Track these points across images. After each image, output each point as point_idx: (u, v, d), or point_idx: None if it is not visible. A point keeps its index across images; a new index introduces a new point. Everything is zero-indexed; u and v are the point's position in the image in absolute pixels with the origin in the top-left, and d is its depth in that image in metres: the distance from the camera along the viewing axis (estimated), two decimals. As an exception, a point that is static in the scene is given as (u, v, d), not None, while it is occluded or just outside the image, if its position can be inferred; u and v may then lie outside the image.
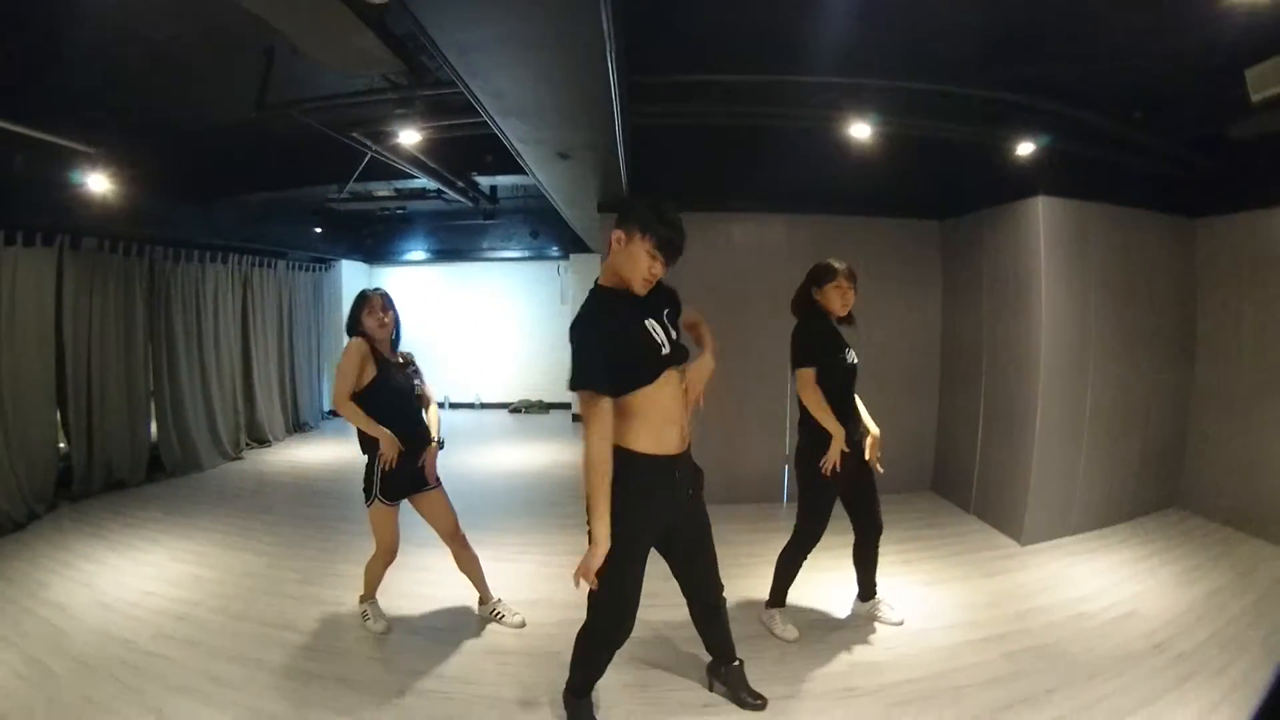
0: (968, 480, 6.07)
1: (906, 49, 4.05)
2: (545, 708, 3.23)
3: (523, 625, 4.01)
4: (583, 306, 2.66)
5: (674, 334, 2.73)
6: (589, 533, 2.51)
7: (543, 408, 12.12)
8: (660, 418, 2.67)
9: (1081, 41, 3.96)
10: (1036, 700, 3.30)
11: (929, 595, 4.44)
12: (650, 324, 2.65)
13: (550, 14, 2.43)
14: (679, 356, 2.73)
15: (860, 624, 4.07)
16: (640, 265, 2.58)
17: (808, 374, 3.60)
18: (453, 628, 4.07)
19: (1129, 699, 3.29)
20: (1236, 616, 4.13)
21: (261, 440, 9.12)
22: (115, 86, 4.70)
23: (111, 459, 6.90)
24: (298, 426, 10.08)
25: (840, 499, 3.80)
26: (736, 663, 3.26)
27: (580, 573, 2.51)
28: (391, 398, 3.69)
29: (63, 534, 5.55)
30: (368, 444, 3.68)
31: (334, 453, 8.89)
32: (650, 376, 2.62)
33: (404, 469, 3.69)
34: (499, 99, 3.37)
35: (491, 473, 7.92)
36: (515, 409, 12.08)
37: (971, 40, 3.98)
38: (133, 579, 4.72)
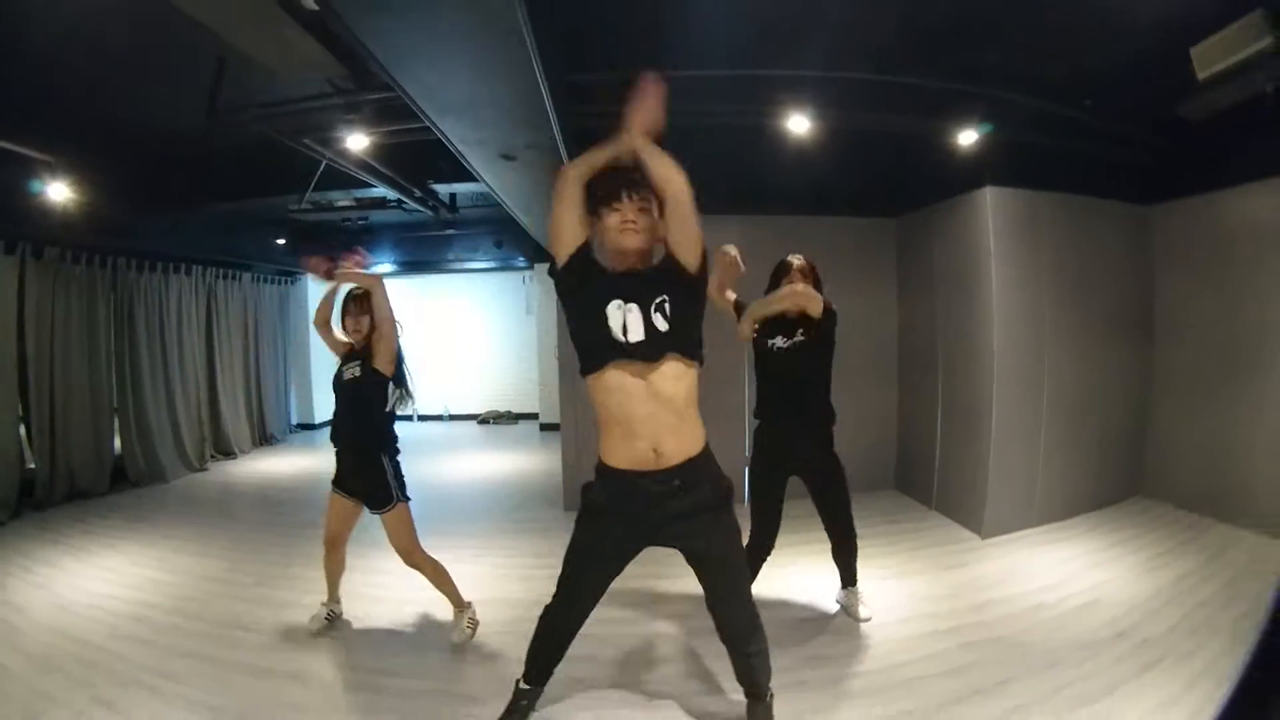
0: (928, 476, 6.10)
1: (844, 40, 4.08)
2: (489, 701, 3.17)
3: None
4: None
5: (661, 325, 2.34)
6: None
7: (511, 418, 12.15)
8: (618, 422, 2.40)
9: (1018, 27, 3.99)
10: (992, 691, 3.27)
11: (886, 589, 4.42)
12: (616, 306, 2.35)
13: (461, 4, 2.42)
14: (650, 351, 2.35)
15: (816, 619, 4.06)
16: (607, 228, 2.40)
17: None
18: (406, 627, 4.10)
19: (1090, 687, 3.26)
20: (1206, 600, 4.11)
21: (227, 452, 9.08)
22: (68, 93, 4.74)
23: (75, 469, 6.90)
24: (264, 439, 10.04)
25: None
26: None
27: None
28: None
29: (24, 540, 5.61)
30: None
31: (300, 464, 8.90)
32: (597, 363, 2.37)
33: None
34: (430, 97, 3.37)
35: (456, 481, 7.91)
36: (484, 420, 12.09)
37: (907, 30, 4.04)
38: (91, 583, 4.77)
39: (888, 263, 6.65)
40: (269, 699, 3.32)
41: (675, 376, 2.37)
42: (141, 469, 7.61)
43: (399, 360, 3.82)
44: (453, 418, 12.10)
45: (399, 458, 3.84)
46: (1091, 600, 4.20)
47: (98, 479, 7.13)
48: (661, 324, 2.33)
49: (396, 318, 3.75)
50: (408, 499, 3.82)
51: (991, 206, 5.18)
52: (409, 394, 3.94)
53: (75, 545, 5.54)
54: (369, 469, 3.76)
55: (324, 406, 11.59)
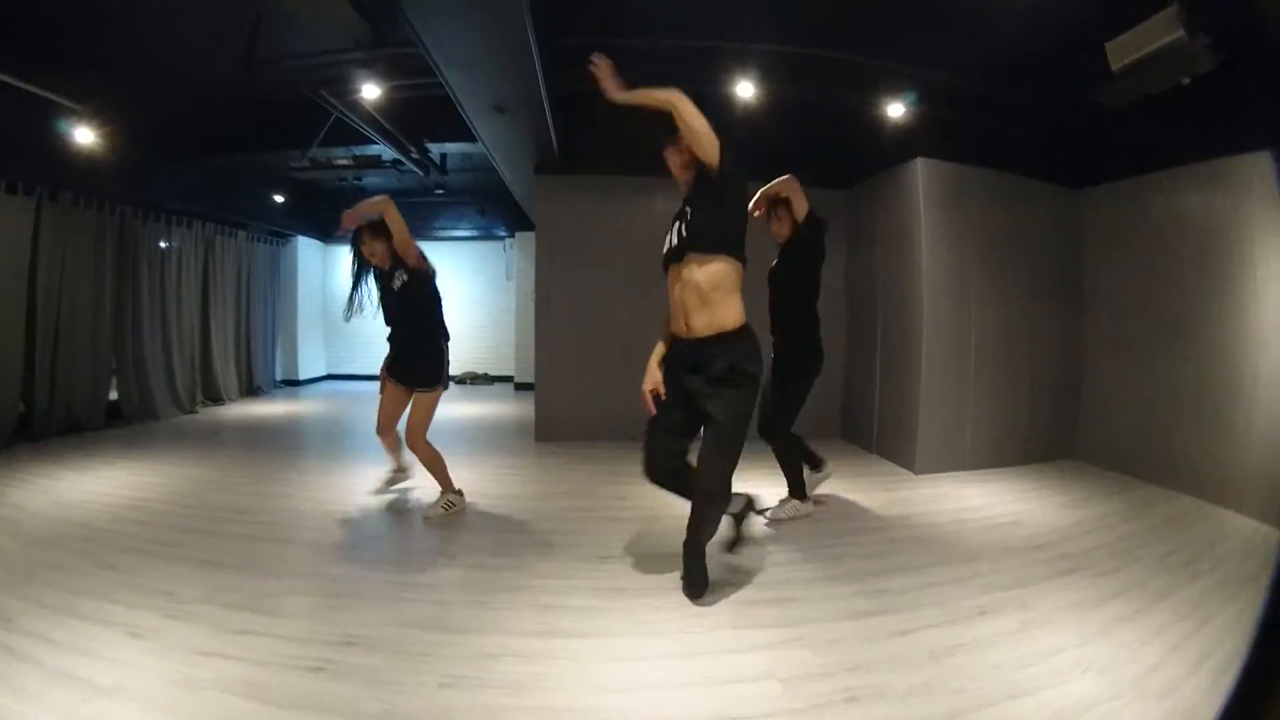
0: (869, 423, 6.68)
1: (790, 17, 4.62)
2: (460, 558, 3.85)
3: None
4: None
5: (683, 235, 3.15)
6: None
7: (488, 379, 12.67)
8: (671, 305, 3.29)
9: (945, 12, 4.42)
10: (912, 569, 3.69)
11: (824, 506, 4.87)
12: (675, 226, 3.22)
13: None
14: (678, 254, 3.17)
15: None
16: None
17: None
18: (398, 515, 4.70)
19: (1003, 579, 3.58)
20: (1127, 536, 4.29)
21: (216, 399, 9.51)
22: (105, 41, 5.03)
23: (72, 402, 7.17)
24: (251, 390, 10.47)
25: None
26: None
27: None
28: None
29: (21, 463, 5.80)
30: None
31: (285, 409, 9.49)
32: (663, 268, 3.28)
33: None
34: (441, 47, 3.98)
35: (441, 419, 8.40)
36: (461, 380, 12.54)
37: (845, 11, 4.55)
38: (90, 486, 5.13)
39: (838, 228, 7.12)
40: (260, 555, 3.82)
41: (697, 266, 3.11)
42: (135, 406, 7.98)
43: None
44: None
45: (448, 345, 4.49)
46: (1013, 521, 4.58)
47: (93, 413, 7.43)
48: (683, 232, 3.15)
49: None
50: (445, 387, 4.49)
51: (922, 175, 5.76)
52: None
53: (74, 464, 5.80)
54: (429, 353, 4.41)
55: (308, 365, 12.14)
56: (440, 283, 4.50)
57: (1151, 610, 3.21)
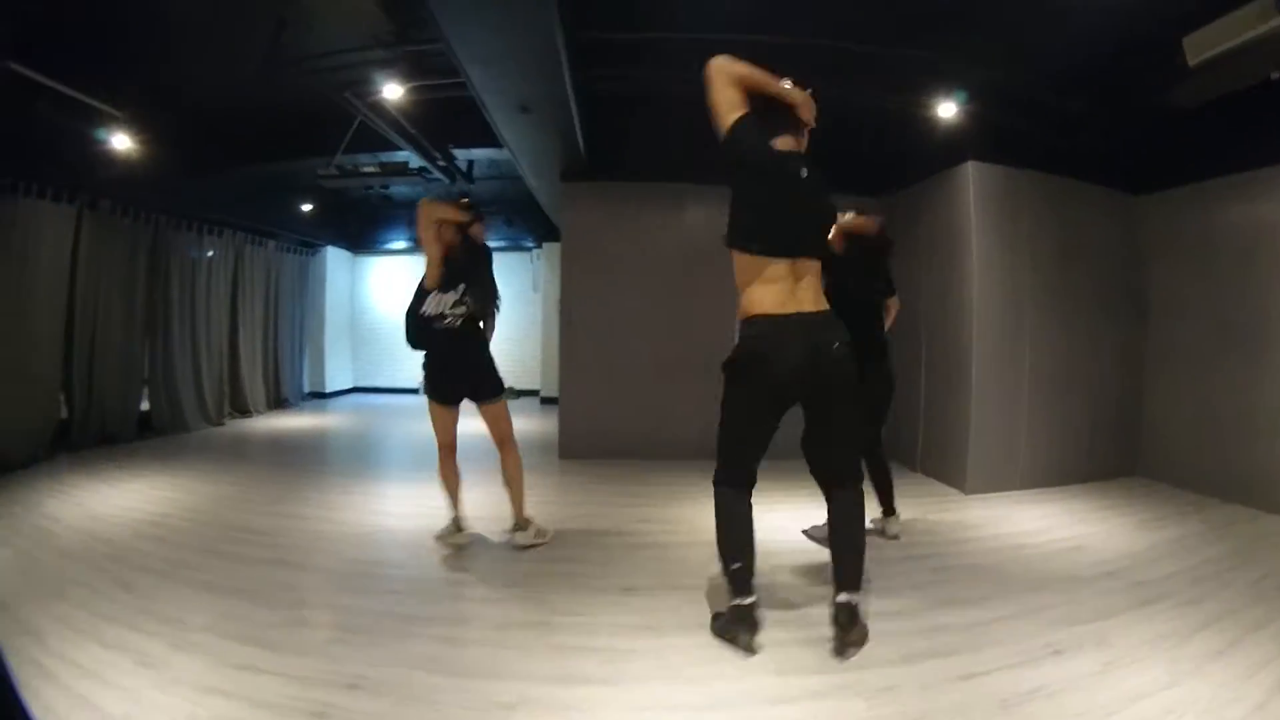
0: (913, 440, 6.35)
1: (838, 12, 4.39)
2: (475, 589, 3.67)
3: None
4: None
5: None
6: None
7: (514, 393, 12.30)
8: None
9: (1007, 12, 4.24)
10: (971, 602, 3.38)
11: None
12: None
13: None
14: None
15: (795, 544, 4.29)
16: None
17: None
18: (412, 538, 4.47)
19: (1077, 610, 3.28)
20: (1212, 559, 4.00)
21: (244, 410, 9.40)
22: (139, 45, 5.06)
23: (106, 414, 7.15)
24: (278, 402, 10.35)
25: None
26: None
27: None
28: None
29: (59, 472, 5.91)
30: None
31: (312, 422, 9.36)
32: None
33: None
34: (465, 43, 3.80)
35: (464, 434, 8.30)
36: (487, 393, 12.32)
37: (898, 8, 4.32)
38: (119, 499, 5.14)
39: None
40: (272, 581, 3.64)
41: None
42: (166, 418, 7.94)
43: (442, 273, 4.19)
44: (457, 392, 12.38)
45: (423, 362, 4.31)
46: (1077, 546, 4.25)
47: (125, 425, 7.41)
48: None
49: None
50: (433, 398, 4.38)
51: (974, 179, 5.47)
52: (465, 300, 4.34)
53: (107, 475, 5.84)
54: None
55: (335, 377, 11.99)
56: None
57: (1248, 642, 2.94)
